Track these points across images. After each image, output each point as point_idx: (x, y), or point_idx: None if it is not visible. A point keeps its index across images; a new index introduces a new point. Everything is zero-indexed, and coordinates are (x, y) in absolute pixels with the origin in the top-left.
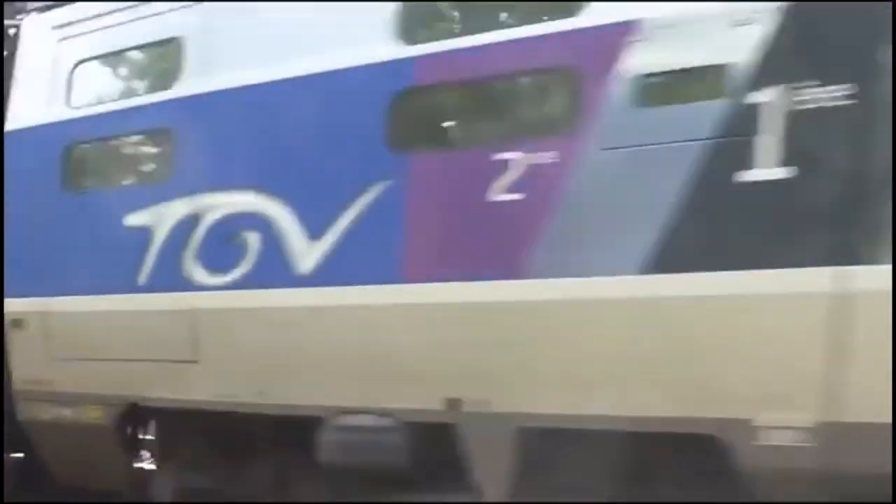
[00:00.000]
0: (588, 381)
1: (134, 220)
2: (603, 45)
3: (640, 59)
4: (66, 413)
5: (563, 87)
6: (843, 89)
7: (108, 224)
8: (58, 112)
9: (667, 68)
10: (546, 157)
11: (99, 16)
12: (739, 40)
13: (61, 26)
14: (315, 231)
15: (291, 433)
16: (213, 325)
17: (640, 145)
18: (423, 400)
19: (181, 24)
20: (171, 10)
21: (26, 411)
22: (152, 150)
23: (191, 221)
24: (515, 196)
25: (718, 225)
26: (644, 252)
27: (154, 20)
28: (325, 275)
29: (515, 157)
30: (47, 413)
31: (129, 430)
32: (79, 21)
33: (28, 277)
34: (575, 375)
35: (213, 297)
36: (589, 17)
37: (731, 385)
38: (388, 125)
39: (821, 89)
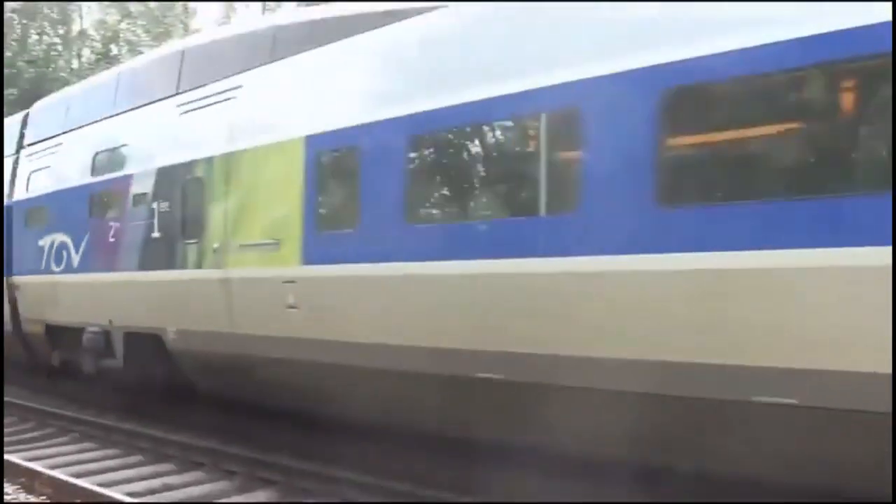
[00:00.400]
0: (146, 313)
1: (41, 242)
2: (126, 183)
3: (134, 188)
4: (31, 327)
5: (121, 199)
6: (168, 204)
7: (35, 244)
8: (20, 194)
9: (139, 192)
10: (118, 225)
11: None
12: (149, 181)
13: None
14: (76, 250)
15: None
16: (59, 288)
17: (139, 222)
18: (104, 320)
19: (51, 158)
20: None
21: (25, 326)
22: (45, 215)
23: (52, 244)
24: (113, 239)
25: (151, 253)
26: (137, 261)
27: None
28: (80, 269)
29: (113, 224)
30: (27, 327)
31: (50, 334)
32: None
33: (17, 266)
34: (153, 311)
35: (57, 276)
36: (128, 168)
37: (171, 317)
38: (89, 206)
39: (162, 203)
